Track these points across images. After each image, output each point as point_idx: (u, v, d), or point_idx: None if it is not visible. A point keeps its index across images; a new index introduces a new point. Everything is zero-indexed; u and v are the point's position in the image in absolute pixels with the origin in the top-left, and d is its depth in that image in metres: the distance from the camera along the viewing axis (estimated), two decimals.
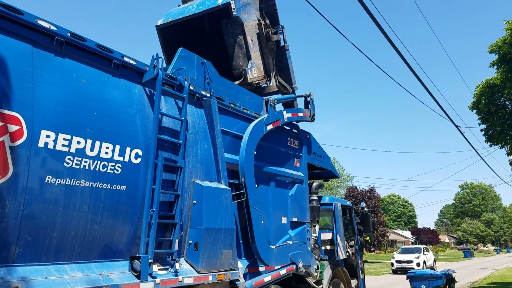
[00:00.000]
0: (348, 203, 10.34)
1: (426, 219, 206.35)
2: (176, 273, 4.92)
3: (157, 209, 4.73)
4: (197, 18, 7.59)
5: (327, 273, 8.14)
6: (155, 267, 4.66)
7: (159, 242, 4.95)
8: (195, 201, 5.39)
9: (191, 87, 5.62)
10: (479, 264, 38.22)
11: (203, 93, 5.89)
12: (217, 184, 5.78)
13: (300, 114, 8.04)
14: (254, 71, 7.50)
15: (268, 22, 7.79)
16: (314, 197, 8.73)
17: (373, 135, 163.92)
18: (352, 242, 10.09)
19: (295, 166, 8.11)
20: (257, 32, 7.48)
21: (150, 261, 4.55)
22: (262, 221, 6.58)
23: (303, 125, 8.48)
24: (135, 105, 4.85)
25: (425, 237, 67.14)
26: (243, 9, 7.33)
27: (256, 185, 6.76)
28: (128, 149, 4.62)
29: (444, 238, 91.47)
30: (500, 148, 16.54)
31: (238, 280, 5.85)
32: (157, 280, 4.59)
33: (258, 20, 7.48)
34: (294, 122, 8.11)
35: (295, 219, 7.73)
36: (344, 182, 49.56)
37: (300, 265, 7.23)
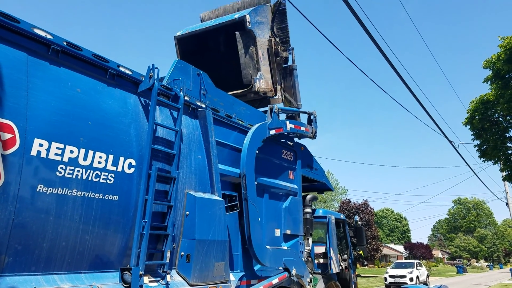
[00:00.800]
0: (342, 216, 10.32)
1: (420, 234, 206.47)
2: (167, 285, 4.86)
3: (149, 220, 4.69)
4: (214, 30, 8.02)
5: (320, 286, 8.09)
6: (146, 279, 4.61)
7: (150, 253, 4.90)
8: (188, 212, 5.36)
9: (186, 98, 5.63)
10: (472, 280, 38.14)
11: (199, 104, 5.89)
12: (211, 195, 5.75)
13: (303, 128, 8.22)
14: (262, 82, 7.82)
15: (278, 40, 8.29)
16: (308, 210, 8.70)
17: (368, 149, 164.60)
18: (346, 255, 10.05)
19: (289, 178, 8.10)
20: (267, 47, 7.94)
21: (141, 272, 4.50)
22: (259, 219, 6.64)
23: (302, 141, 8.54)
24: (129, 115, 4.84)
25: (419, 252, 67.01)
26: (257, 25, 7.84)
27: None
28: (121, 159, 4.59)
29: (437, 253, 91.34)
30: (494, 164, 16.66)
31: None
32: None
33: (270, 37, 8.04)
34: (290, 135, 8.14)
35: (288, 232, 7.69)
36: (338, 195, 49.58)
37: (293, 272, 7.17)
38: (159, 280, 4.84)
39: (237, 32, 7.75)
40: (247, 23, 7.58)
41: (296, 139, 8.41)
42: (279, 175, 7.73)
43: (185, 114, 5.68)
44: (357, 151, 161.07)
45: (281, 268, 7.10)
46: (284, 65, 8.50)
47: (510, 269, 40.63)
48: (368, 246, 39.76)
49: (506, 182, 28.62)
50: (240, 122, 6.73)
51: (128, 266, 4.48)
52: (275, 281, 6.80)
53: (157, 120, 5.11)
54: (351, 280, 9.66)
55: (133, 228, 4.64)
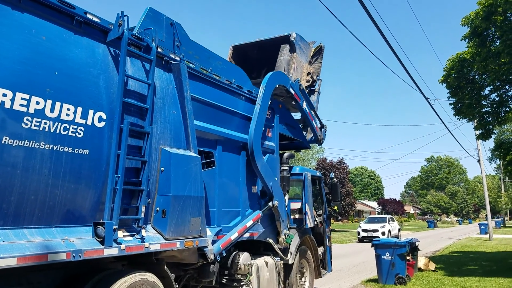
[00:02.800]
0: (318, 173, 10.42)
1: (393, 191, 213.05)
2: (142, 239, 4.84)
3: (123, 175, 4.60)
4: (265, 42, 9.35)
5: (295, 240, 8.24)
6: (120, 233, 4.57)
7: (125, 209, 4.84)
8: (163, 168, 5.28)
9: (159, 49, 5.41)
10: (442, 234, 39.86)
11: (172, 56, 5.68)
12: (186, 151, 5.66)
13: (314, 123, 9.38)
14: None
15: (312, 69, 9.90)
16: (285, 167, 8.73)
17: (344, 107, 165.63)
18: (320, 211, 10.24)
19: (267, 136, 8.05)
20: (301, 66, 9.44)
21: (115, 227, 4.45)
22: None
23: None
24: (98, 65, 4.62)
25: (391, 208, 69.26)
26: (298, 47, 9.25)
27: (226, 154, 6.73)
28: (91, 111, 4.42)
29: (409, 209, 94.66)
30: (468, 122, 16.94)
31: (206, 247, 5.83)
32: (122, 246, 4.51)
33: (305, 63, 9.68)
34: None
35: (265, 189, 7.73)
36: (315, 154, 50.19)
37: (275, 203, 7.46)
38: (134, 234, 4.81)
39: (282, 45, 9.01)
40: (292, 37, 9.00)
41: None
42: None
43: (158, 67, 5.48)
44: (334, 110, 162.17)
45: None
46: (310, 88, 9.91)
47: (478, 224, 42.45)
48: (343, 202, 40.86)
49: (479, 141, 29.44)
50: (216, 77, 6.56)
51: (101, 221, 4.42)
52: (249, 223, 6.89)
53: (128, 72, 4.91)
54: (325, 234, 9.89)
55: (106, 183, 4.55)
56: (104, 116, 4.56)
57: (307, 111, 9.05)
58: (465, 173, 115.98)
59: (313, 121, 9.42)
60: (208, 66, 6.41)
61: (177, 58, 5.74)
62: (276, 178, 7.84)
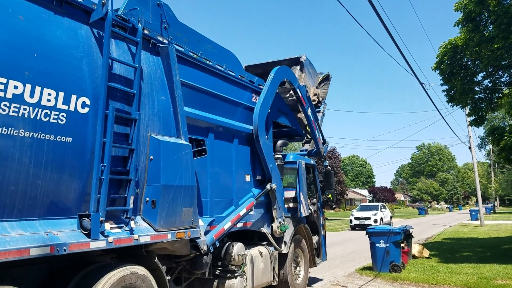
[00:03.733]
0: (312, 161, 10.23)
1: (383, 179, 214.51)
2: (131, 231, 4.62)
3: (109, 164, 4.36)
4: (276, 63, 9.33)
5: (290, 230, 8.07)
6: (107, 225, 4.34)
7: (112, 199, 4.62)
8: (152, 157, 5.04)
9: (145, 31, 5.13)
10: (433, 221, 40.12)
11: (160, 39, 5.41)
12: (177, 139, 5.43)
13: (317, 134, 9.48)
14: None
15: (318, 91, 10.31)
16: (278, 155, 8.52)
17: (338, 95, 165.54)
18: (315, 199, 10.08)
19: None
20: (309, 86, 9.75)
21: (101, 219, 4.23)
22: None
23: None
24: (81, 48, 4.35)
25: (382, 196, 69.64)
26: (307, 70, 9.76)
27: (218, 142, 6.52)
28: (73, 97, 4.17)
29: (400, 196, 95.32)
30: (461, 109, 16.87)
31: (198, 237, 5.63)
32: (110, 239, 4.29)
33: (312, 87, 10.08)
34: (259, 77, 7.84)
35: (258, 177, 7.53)
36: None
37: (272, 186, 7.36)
38: (123, 226, 4.59)
39: (292, 66, 9.37)
40: (302, 58, 9.56)
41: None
42: (250, 119, 7.43)
43: (146, 50, 5.22)
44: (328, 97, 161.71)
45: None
46: (315, 108, 9.98)
47: (469, 210, 42.79)
48: (335, 190, 40.88)
49: (470, 127, 29.48)
50: (207, 61, 6.30)
51: (87, 212, 4.19)
52: (242, 211, 6.70)
53: (113, 55, 4.65)
54: (319, 223, 9.74)
55: (91, 172, 4.31)
56: (88, 102, 4.31)
57: (311, 118, 9.10)
58: (454, 161, 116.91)
59: (316, 132, 9.44)
60: (198, 49, 6.15)
61: (165, 41, 5.47)
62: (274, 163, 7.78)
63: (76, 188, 4.24)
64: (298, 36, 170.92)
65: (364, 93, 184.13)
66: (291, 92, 8.46)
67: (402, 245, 11.30)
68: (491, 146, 52.44)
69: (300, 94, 8.54)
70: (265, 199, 7.66)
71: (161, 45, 5.41)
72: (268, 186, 7.56)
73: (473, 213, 38.51)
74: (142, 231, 4.77)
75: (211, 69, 6.40)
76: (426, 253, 13.56)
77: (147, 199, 4.98)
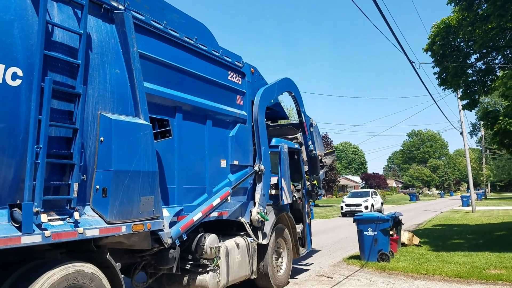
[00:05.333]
0: (296, 145, 9.64)
1: (376, 165, 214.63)
2: (76, 223, 4.00)
3: (45, 146, 3.72)
4: (285, 125, 10.50)
5: (271, 218, 7.50)
6: (44, 217, 3.71)
7: (55, 188, 4.01)
8: (102, 138, 4.40)
9: None
10: (424, 207, 39.92)
11: (114, 4, 4.72)
12: (134, 118, 4.78)
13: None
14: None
15: (322, 154, 10.76)
16: None
17: (329, 80, 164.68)
18: (299, 186, 9.51)
19: (237, 103, 7.20)
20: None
21: (36, 209, 3.60)
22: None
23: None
24: (12, 9, 3.68)
25: (374, 182, 69.51)
26: (316, 136, 10.57)
27: (187, 123, 5.89)
28: (1, 66, 3.53)
29: (391, 182, 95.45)
30: (453, 92, 16.31)
31: (161, 230, 5.03)
32: (47, 233, 3.67)
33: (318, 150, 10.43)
34: (235, 53, 7.18)
35: (236, 162, 6.92)
36: (293, 117, 48.97)
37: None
38: (66, 218, 3.97)
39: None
40: (313, 122, 10.31)
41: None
42: (225, 99, 6.80)
43: (97, 16, 4.54)
44: (317, 82, 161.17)
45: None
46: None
47: (461, 196, 42.59)
48: (326, 177, 40.52)
49: (462, 112, 29.01)
50: (173, 32, 5.62)
51: (18, 202, 3.55)
52: (216, 201, 6.10)
53: (54, 20, 3.98)
54: (304, 211, 9.17)
55: (25, 155, 3.67)
56: (20, 73, 3.66)
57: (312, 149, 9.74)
58: (446, 147, 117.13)
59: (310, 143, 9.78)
60: (162, 19, 5.46)
61: (121, 7, 4.78)
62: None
63: (7, 173, 3.61)
64: (283, 17, 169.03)
65: (355, 78, 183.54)
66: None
67: (391, 232, 10.81)
68: (483, 133, 52.21)
69: (304, 120, 9.61)
70: (246, 185, 7.09)
71: (115, 11, 4.73)
72: (256, 167, 7.22)
73: (465, 199, 38.29)
74: (90, 224, 4.15)
75: (178, 41, 5.73)
76: (416, 240, 13.10)
77: (97, 186, 4.35)
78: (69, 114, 4.09)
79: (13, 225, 3.50)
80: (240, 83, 7.31)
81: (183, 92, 5.78)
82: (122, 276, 5.74)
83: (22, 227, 3.47)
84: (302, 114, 9.65)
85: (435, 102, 18.71)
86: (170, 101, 5.56)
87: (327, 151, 11.71)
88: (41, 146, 3.69)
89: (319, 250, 12.55)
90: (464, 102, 16.50)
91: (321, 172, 10.21)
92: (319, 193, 9.70)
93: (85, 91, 4.18)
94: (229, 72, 6.99)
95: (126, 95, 4.75)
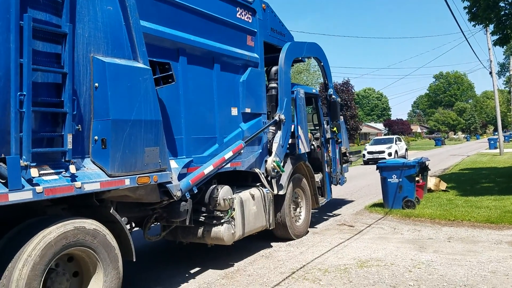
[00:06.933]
0: (314, 90, 9.09)
1: (400, 111, 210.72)
2: (72, 177, 3.69)
3: (30, 93, 3.34)
4: None
5: (287, 168, 7.13)
6: (34, 172, 3.40)
7: (48, 139, 3.68)
8: (97, 84, 4.01)
9: None
10: (450, 151, 39.01)
11: None
12: (132, 62, 4.35)
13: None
14: None
15: None
16: (274, 84, 7.40)
17: (349, 21, 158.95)
18: (318, 134, 9.05)
19: (247, 45, 6.65)
20: None
21: (25, 163, 3.28)
22: None
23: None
24: None
25: (398, 128, 68.28)
26: None
27: (193, 67, 5.43)
28: None
29: (416, 128, 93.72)
30: (484, 28, 15.17)
31: (170, 182, 4.71)
32: (39, 188, 3.37)
33: None
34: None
35: (248, 110, 6.47)
36: (318, 78, 47.47)
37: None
38: (61, 172, 3.65)
39: None
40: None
41: None
42: (234, 40, 6.27)
43: None
44: (337, 23, 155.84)
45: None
46: None
47: (488, 139, 41.34)
48: (347, 125, 39.82)
49: (492, 51, 27.49)
50: None
51: (2, 156, 3.24)
52: (228, 154, 5.74)
53: None
54: (323, 160, 8.75)
55: (8, 104, 3.31)
56: None
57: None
58: (473, 89, 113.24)
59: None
60: None
61: None
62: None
63: None
64: None
65: (378, 17, 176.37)
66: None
67: (417, 178, 10.35)
68: None
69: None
70: (261, 134, 6.68)
71: None
72: (276, 117, 6.89)
73: (492, 142, 37.21)
74: (89, 177, 3.84)
75: None
76: (443, 185, 12.62)
77: (96, 137, 4.01)
78: (56, 57, 3.69)
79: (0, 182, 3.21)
80: (250, 21, 6.71)
81: (186, 32, 5.27)
82: (137, 228, 5.66)
83: (8, 183, 3.17)
84: (331, 90, 9.09)
85: (466, 39, 17.42)
86: (171, 43, 5.07)
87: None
88: (24, 93, 3.32)
89: (340, 199, 12.25)
90: (495, 37, 15.35)
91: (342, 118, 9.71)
92: (339, 140, 9.19)
93: (73, 31, 3.75)
94: (237, 9, 6.39)
95: (121, 35, 4.30)
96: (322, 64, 9.02)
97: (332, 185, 9.07)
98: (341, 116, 9.39)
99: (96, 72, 3.99)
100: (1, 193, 3.13)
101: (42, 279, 3.39)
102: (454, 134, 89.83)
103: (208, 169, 5.36)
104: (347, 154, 10.10)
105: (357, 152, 11.53)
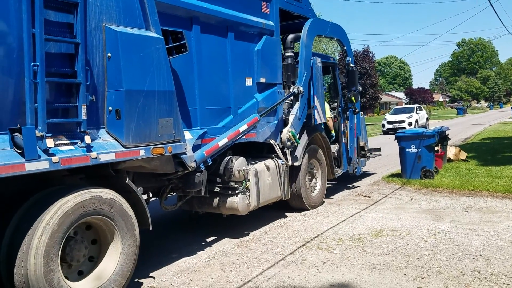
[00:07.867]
0: (331, 59, 8.92)
1: (421, 79, 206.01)
2: (88, 148, 3.74)
3: (43, 64, 3.36)
4: None
5: (303, 139, 7.08)
6: (50, 142, 3.44)
7: (63, 110, 3.73)
8: (109, 54, 3.99)
9: None
10: (472, 120, 38.22)
11: None
12: (145, 31, 4.31)
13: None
14: None
15: None
16: (289, 53, 7.29)
17: None
18: (335, 104, 8.92)
19: (262, 12, 6.50)
20: None
21: (40, 133, 3.33)
22: None
23: None
24: None
25: (419, 97, 66.91)
26: None
27: (206, 36, 5.35)
28: None
29: (438, 97, 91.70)
30: None
31: (184, 153, 4.74)
32: (55, 158, 3.42)
33: None
34: None
35: (263, 80, 6.38)
36: (336, 46, 46.43)
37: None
38: (77, 142, 3.70)
39: None
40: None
41: None
42: (248, 7, 6.14)
43: None
44: None
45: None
46: None
47: (511, 107, 40.21)
48: (367, 95, 39.12)
49: None
50: None
51: (18, 126, 3.29)
52: (243, 127, 5.74)
53: None
54: (340, 130, 8.66)
55: (22, 75, 3.34)
56: None
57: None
58: (497, 56, 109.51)
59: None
60: None
61: None
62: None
63: (5, 96, 3.32)
64: None
65: None
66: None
67: (436, 148, 10.19)
68: None
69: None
70: (274, 110, 6.62)
71: None
72: (295, 89, 6.92)
73: None
74: (105, 148, 3.89)
75: None
76: (463, 155, 12.42)
77: (110, 108, 4.03)
78: (68, 27, 3.68)
79: (15, 151, 3.26)
80: None
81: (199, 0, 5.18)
82: (155, 198, 5.76)
83: (25, 153, 3.23)
84: (349, 59, 8.89)
85: (491, 4, 16.69)
86: (184, 11, 5.00)
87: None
88: (38, 63, 3.33)
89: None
90: None
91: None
92: (356, 110, 9.03)
93: (84, 0, 3.71)
94: None
95: (132, 4, 4.25)
96: (345, 48, 8.88)
97: (348, 158, 8.98)
98: (359, 87, 9.21)
99: (108, 42, 3.97)
100: (18, 163, 3.20)
101: (61, 247, 3.49)
102: (477, 103, 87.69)
103: (222, 141, 5.37)
104: (365, 149, 9.94)
105: (377, 149, 11.09)
